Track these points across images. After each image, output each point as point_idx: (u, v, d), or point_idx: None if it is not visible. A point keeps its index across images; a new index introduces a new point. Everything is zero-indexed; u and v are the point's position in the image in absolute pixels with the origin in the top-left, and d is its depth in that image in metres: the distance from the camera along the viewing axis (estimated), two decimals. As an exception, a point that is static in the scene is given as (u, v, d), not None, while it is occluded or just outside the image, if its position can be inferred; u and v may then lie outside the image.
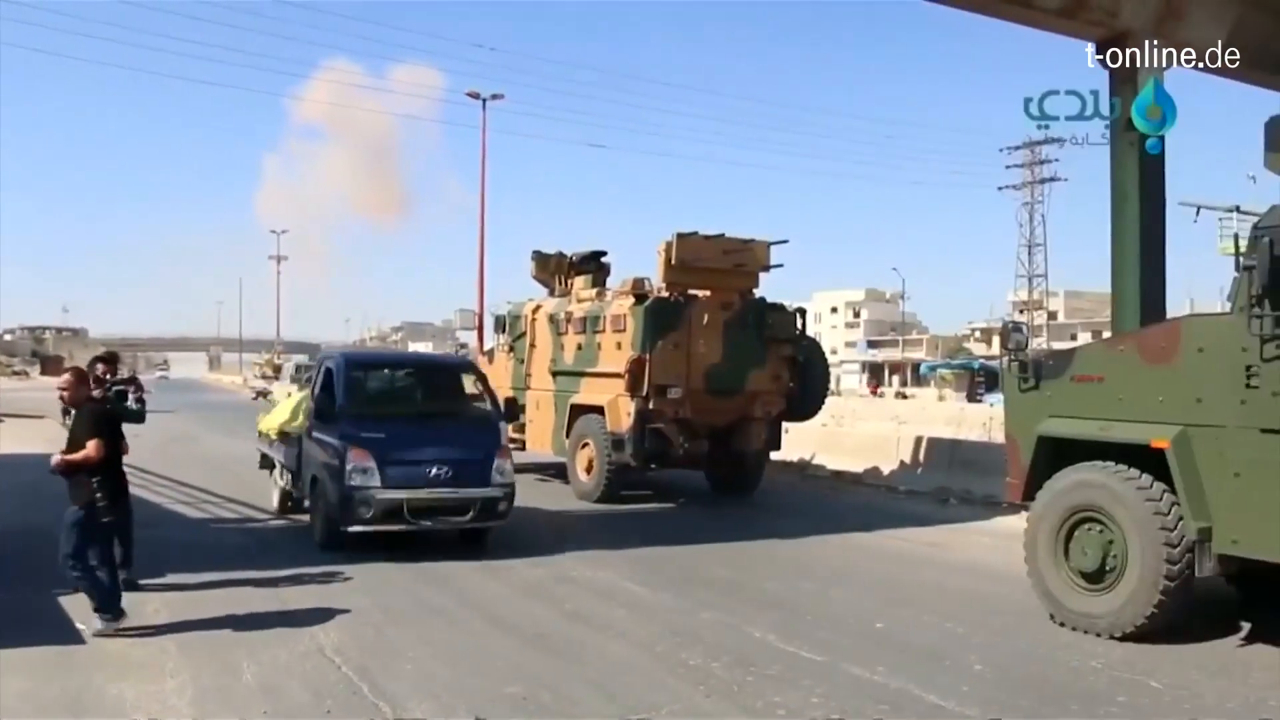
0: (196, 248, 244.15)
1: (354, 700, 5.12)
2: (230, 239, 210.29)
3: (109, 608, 6.22)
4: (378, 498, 8.48)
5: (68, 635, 6.06)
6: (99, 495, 6.28)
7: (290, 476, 10.42)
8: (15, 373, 74.29)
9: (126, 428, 7.79)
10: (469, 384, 10.26)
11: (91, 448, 6.25)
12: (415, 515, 8.59)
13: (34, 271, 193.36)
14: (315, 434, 9.37)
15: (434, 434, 8.98)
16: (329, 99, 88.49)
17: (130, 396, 7.68)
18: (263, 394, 40.05)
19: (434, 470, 8.64)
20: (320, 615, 6.74)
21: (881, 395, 45.69)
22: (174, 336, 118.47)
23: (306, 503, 9.81)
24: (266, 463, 11.70)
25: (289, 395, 13.68)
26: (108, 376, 7.66)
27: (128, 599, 7.14)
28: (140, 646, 6.00)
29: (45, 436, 6.40)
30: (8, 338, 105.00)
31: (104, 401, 7.40)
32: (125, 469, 7.62)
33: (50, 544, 6.49)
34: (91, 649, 5.93)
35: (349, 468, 8.50)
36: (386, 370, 11.01)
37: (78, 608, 6.39)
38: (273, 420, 11.18)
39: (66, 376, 6.84)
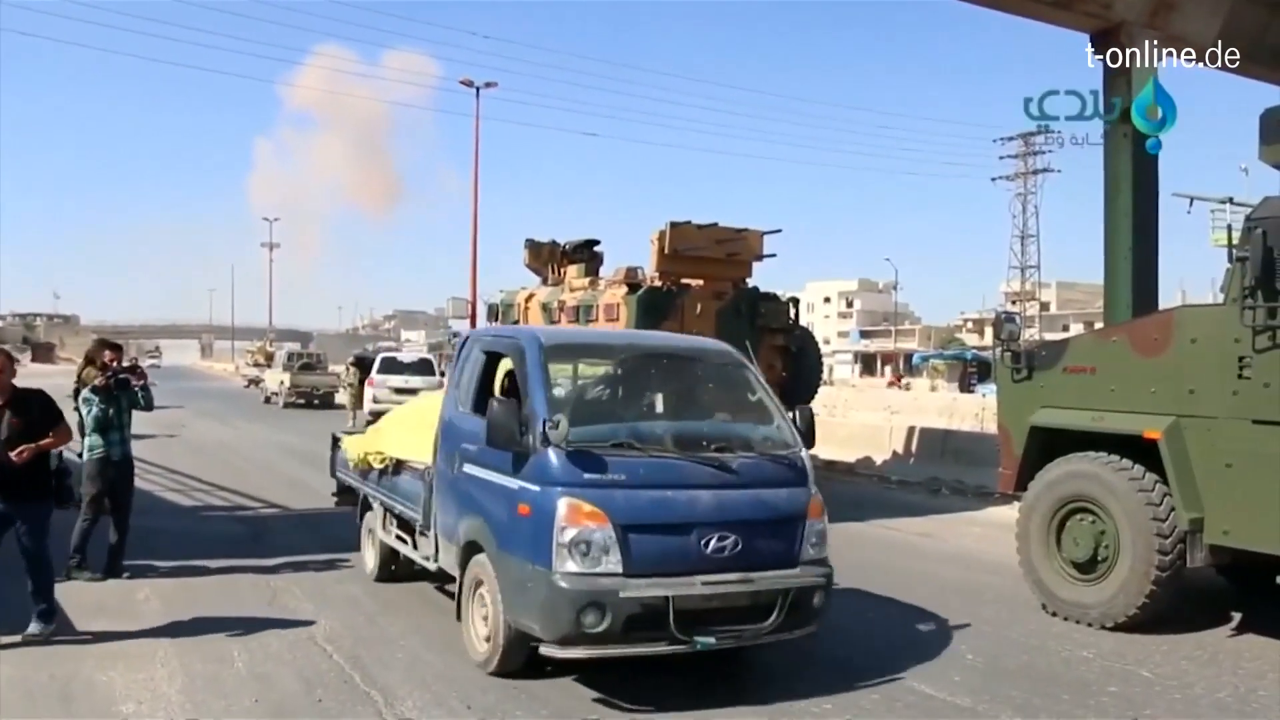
0: (189, 235, 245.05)
1: (345, 689, 5.11)
2: (222, 226, 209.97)
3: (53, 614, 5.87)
4: (621, 596, 4.79)
5: (57, 623, 6.01)
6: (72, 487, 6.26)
7: (405, 530, 6.80)
8: (6, 359, 73.90)
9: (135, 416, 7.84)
10: (744, 387, 5.98)
11: (67, 431, 6.11)
12: (684, 626, 4.89)
13: (25, 258, 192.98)
14: (473, 469, 5.66)
15: (704, 475, 5.17)
16: (322, 85, 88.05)
17: (134, 384, 7.63)
18: (255, 381, 40.34)
19: (713, 541, 5.00)
20: (312, 604, 6.74)
21: (907, 387, 44.51)
22: (166, 323, 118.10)
23: (431, 560, 6.29)
24: (350, 497, 8.26)
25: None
26: (114, 363, 7.61)
27: (120, 586, 7.14)
28: (130, 634, 5.97)
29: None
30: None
31: (108, 389, 7.38)
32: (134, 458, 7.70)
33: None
34: (82, 637, 5.90)
35: (562, 539, 4.84)
36: (607, 363, 6.32)
37: (67, 595, 6.36)
38: (384, 441, 7.25)
39: None
